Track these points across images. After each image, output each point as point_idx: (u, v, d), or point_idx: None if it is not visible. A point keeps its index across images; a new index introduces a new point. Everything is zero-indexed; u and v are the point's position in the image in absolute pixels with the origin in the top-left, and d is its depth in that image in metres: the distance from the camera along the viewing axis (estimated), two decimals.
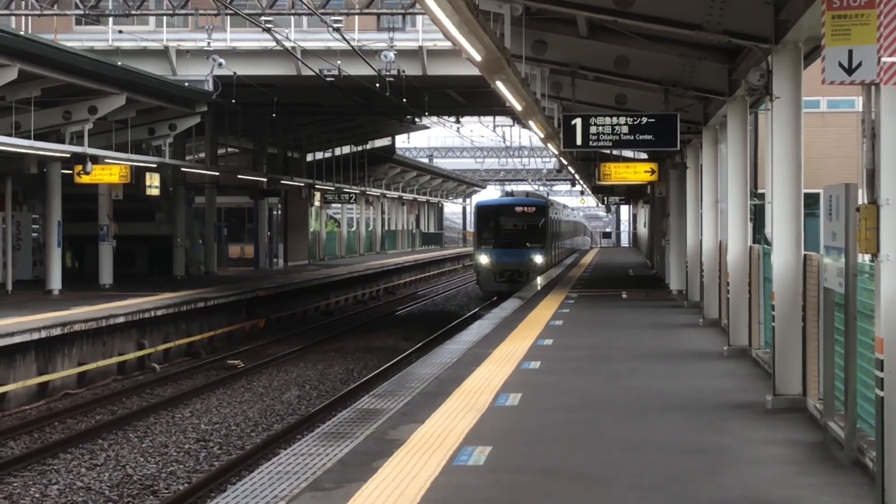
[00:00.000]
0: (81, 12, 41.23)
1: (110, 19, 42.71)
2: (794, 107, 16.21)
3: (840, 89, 17.87)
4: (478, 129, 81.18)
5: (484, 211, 61.08)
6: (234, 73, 42.08)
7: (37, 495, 18.76)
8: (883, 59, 9.66)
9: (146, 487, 19.30)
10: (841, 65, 10.37)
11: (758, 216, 31.02)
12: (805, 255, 15.65)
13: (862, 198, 10.61)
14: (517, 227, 58.91)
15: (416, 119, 61.65)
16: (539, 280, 48.01)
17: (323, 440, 13.43)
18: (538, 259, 57.07)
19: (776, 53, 16.40)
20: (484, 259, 57.56)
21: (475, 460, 12.30)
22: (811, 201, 17.52)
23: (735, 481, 11.45)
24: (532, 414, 15.22)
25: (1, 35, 31.96)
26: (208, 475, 19.52)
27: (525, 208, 59.59)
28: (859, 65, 10.35)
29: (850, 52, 10.36)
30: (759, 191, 36.00)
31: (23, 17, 41.85)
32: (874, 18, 10.07)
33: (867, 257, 10.83)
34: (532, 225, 58.77)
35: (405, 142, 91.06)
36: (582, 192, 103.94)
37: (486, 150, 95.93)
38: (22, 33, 35.87)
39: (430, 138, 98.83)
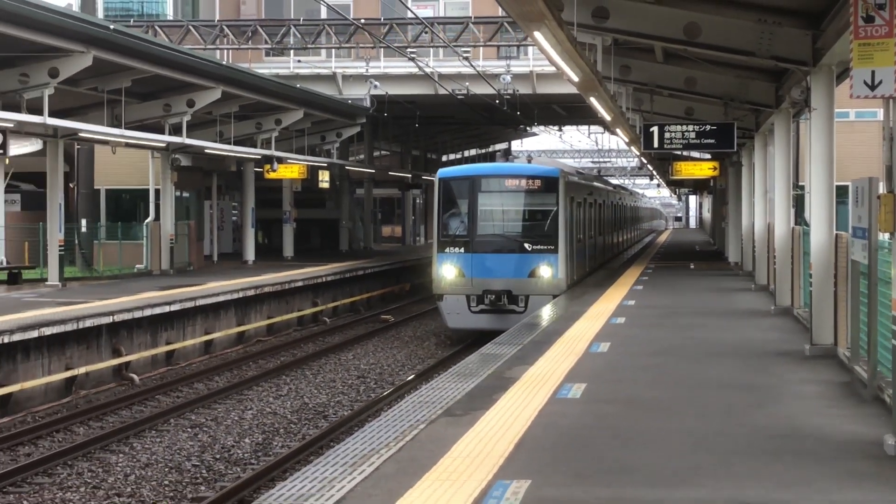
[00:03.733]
0: (269, 46, 41.71)
1: (291, 51, 43.12)
2: (828, 117, 16.07)
3: (865, 102, 17.51)
4: (575, 136, 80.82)
5: (450, 187, 28.40)
6: (386, 92, 42.33)
7: (236, 418, 19.07)
8: None
9: (319, 413, 19.52)
10: (865, 83, 10.21)
11: (799, 203, 30.69)
12: (836, 234, 15.46)
13: (882, 188, 10.48)
14: (508, 216, 28.38)
15: (528, 128, 61.54)
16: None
17: (455, 378, 13.51)
18: (546, 273, 27.17)
19: (814, 74, 16.24)
20: (449, 271, 27.44)
21: (573, 394, 12.32)
22: (841, 192, 17.23)
23: (779, 412, 11.37)
24: (618, 358, 15.19)
25: (209, 64, 32.43)
26: (366, 403, 19.71)
27: (521, 181, 28.18)
28: (880, 82, 10.18)
29: (873, 72, 10.20)
30: (800, 183, 35.52)
31: (225, 51, 42.38)
32: (892, 45, 9.93)
33: (886, 235, 10.69)
34: (536, 211, 28.29)
35: (519, 146, 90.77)
36: (658, 185, 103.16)
37: (582, 151, 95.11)
38: (224, 63, 36.40)
39: (539, 143, 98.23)
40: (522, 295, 26.62)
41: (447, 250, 27.22)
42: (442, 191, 27.87)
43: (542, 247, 26.93)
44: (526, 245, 27.05)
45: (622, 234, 52.15)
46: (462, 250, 26.99)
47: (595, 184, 38.25)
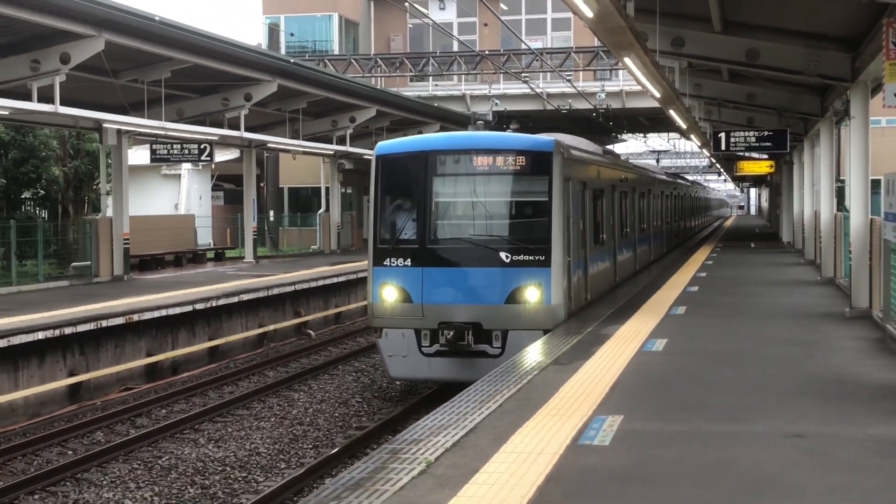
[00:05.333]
0: (413, 73, 41.96)
1: (430, 77, 43.28)
2: (865, 123, 15.76)
3: (895, 112, 17.25)
4: (657, 141, 79.74)
5: (392, 169, 14.86)
6: (505, 108, 42.20)
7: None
8: None
9: None
10: (895, 95, 9.95)
11: (840, 194, 29.96)
12: (871, 218, 15.15)
13: None
14: (477, 211, 14.76)
15: (618, 135, 60.94)
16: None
17: (560, 335, 13.48)
18: (533, 296, 14.09)
19: (852, 89, 15.90)
20: (390, 294, 14.46)
21: (656, 348, 12.24)
22: (875, 184, 16.87)
23: (824, 362, 11.18)
24: (693, 319, 15.03)
25: (366, 89, 32.75)
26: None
27: (497, 159, 14.36)
28: None
29: None
30: (841, 177, 34.67)
31: (379, 78, 42.72)
32: None
33: None
34: (519, 203, 14.84)
35: (617, 150, 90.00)
36: (725, 180, 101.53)
37: (662, 153, 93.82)
38: (378, 88, 36.70)
39: (626, 147, 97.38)
40: (497, 330, 14.12)
41: (387, 263, 14.49)
42: (380, 174, 14.82)
43: (526, 257, 14.21)
44: (503, 255, 14.20)
45: (682, 227, 39.59)
46: (409, 263, 14.39)
47: (633, 169, 24.41)
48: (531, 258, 14.22)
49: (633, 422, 8.30)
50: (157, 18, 20.90)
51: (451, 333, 14.08)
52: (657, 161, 73.60)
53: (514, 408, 8.88)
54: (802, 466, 6.95)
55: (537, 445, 7.55)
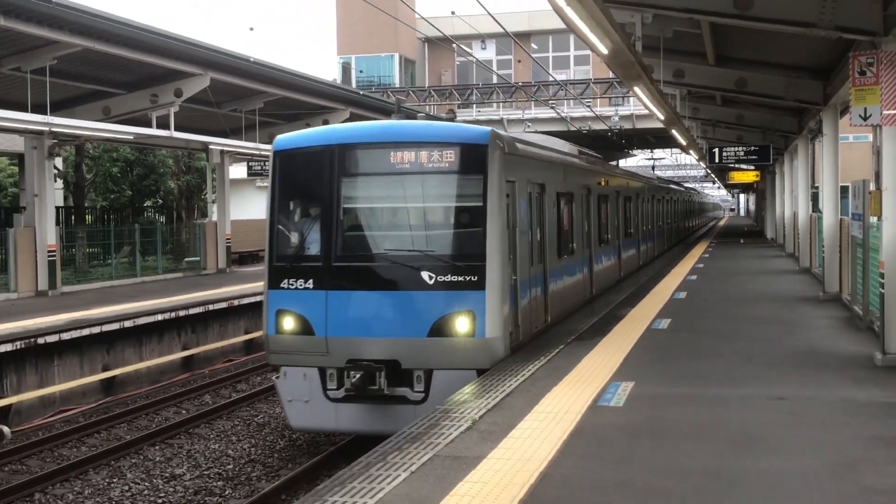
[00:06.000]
0: (460, 102, 41.94)
1: (474, 105, 43.28)
2: (835, 140, 15.61)
3: (860, 129, 17.06)
4: (662, 155, 78.99)
5: (293, 167, 9.75)
6: (535, 130, 42.07)
7: None
8: (884, 112, 9.25)
9: None
10: (860, 115, 9.83)
11: (815, 198, 29.58)
12: (841, 219, 14.96)
13: (871, 187, 10.12)
14: (395, 220, 9.59)
15: (629, 151, 60.53)
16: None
17: (582, 315, 13.45)
18: (463, 326, 9.00)
19: (825, 110, 15.73)
20: (288, 324, 9.40)
21: (662, 326, 12.17)
22: (843, 190, 16.67)
23: (802, 338, 11.07)
24: (692, 302, 14.93)
25: (417, 113, 32.76)
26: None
27: (420, 154, 9.19)
28: (870, 115, 9.79)
29: (865, 108, 9.81)
30: (815, 185, 34.17)
31: (432, 106, 42.81)
32: (878, 91, 9.57)
33: (874, 218, 10.30)
34: (449, 209, 9.47)
35: (623, 164, 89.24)
36: (718, 187, 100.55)
37: (665, 166, 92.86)
38: (428, 114, 36.69)
39: (636, 161, 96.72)
40: (419, 369, 9.38)
41: (285, 285, 9.66)
42: (278, 174, 10.03)
43: (455, 277, 9.27)
44: (425, 275, 9.29)
45: (678, 228, 34.40)
46: (310, 285, 9.57)
47: (618, 173, 19.64)
48: (461, 279, 9.23)
49: (642, 387, 8.28)
50: (251, 59, 21.12)
51: (359, 375, 9.29)
52: (653, 168, 72.64)
53: (543, 375, 8.89)
54: (784, 424, 6.91)
55: (563, 406, 7.57)
